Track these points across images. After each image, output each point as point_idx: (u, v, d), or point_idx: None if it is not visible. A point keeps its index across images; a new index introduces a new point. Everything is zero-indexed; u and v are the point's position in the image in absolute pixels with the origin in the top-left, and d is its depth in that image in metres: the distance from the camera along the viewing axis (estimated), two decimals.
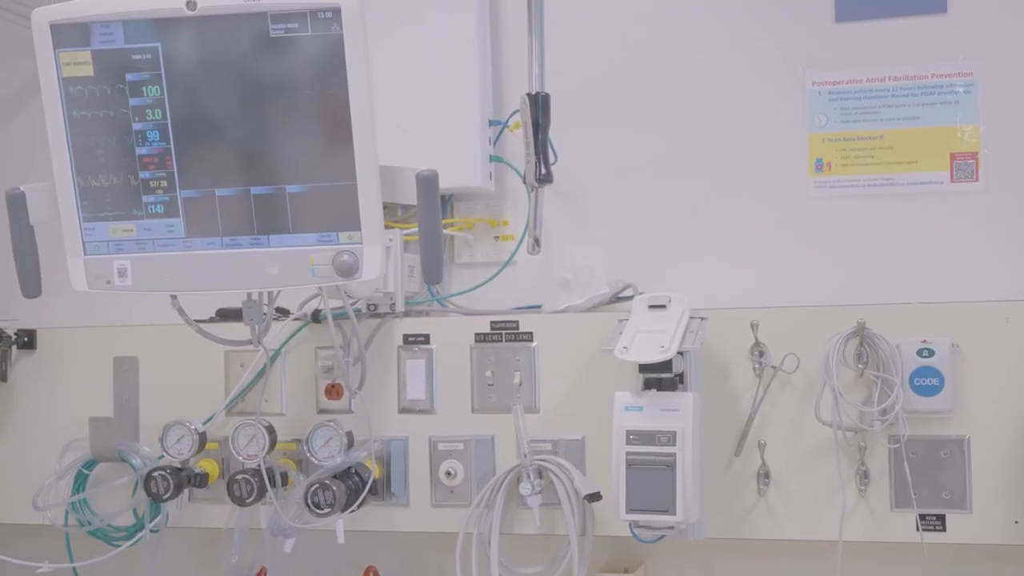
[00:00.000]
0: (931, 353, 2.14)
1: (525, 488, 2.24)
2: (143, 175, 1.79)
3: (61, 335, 2.65)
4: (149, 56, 1.74)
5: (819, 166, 2.42)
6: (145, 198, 1.81)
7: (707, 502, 2.20)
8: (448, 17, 2.43)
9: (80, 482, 2.54)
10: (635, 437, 2.04)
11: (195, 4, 1.71)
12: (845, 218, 2.39)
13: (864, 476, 2.17)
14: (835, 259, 2.38)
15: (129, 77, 1.76)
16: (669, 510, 2.01)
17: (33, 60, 1.77)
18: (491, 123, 2.49)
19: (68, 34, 1.75)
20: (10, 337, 2.66)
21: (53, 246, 1.89)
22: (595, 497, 2.20)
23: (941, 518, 2.15)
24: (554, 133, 2.21)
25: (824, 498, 2.18)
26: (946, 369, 2.13)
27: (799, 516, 2.21)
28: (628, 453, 2.04)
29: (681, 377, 2.12)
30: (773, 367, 2.22)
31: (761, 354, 2.22)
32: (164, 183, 1.79)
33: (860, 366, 2.16)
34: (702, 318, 2.17)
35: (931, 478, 2.15)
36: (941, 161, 2.36)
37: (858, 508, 2.18)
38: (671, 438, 2.02)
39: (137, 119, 1.77)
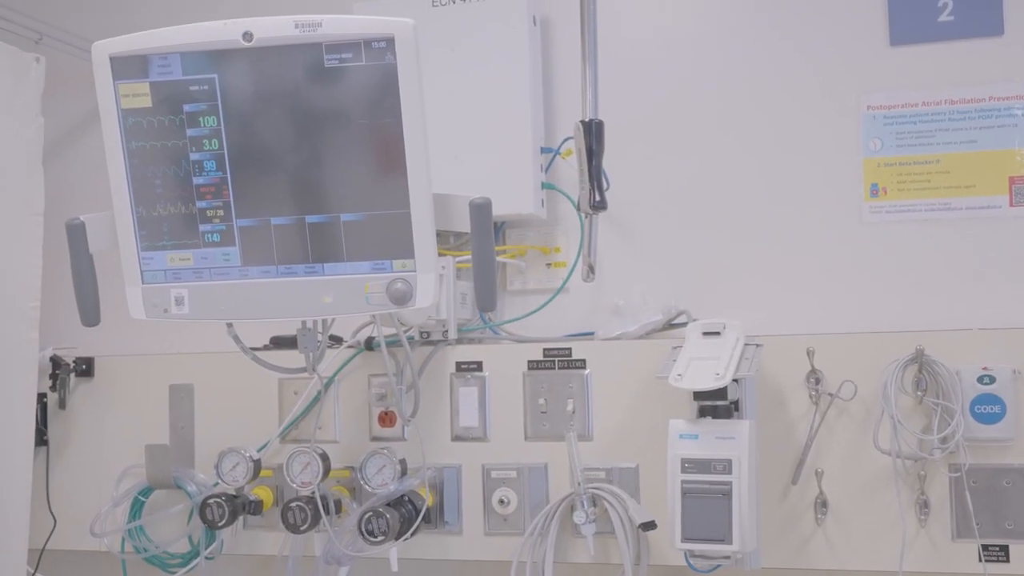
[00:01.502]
0: (992, 380, 2.10)
1: (579, 516, 2.22)
2: (200, 204, 1.81)
3: (118, 363, 2.69)
4: (206, 87, 1.76)
5: (874, 191, 2.39)
6: (202, 227, 1.82)
7: (764, 531, 2.17)
8: (499, 45, 2.44)
9: (136, 509, 2.56)
10: (690, 465, 2.02)
11: (251, 35, 1.73)
12: (902, 243, 2.37)
13: (924, 505, 2.14)
14: (892, 285, 2.36)
15: (187, 108, 1.77)
16: (725, 539, 1.99)
17: (92, 92, 1.79)
18: (543, 150, 2.49)
19: (127, 66, 1.77)
20: (68, 365, 2.70)
21: (109, 275, 1.92)
22: (650, 526, 2.18)
23: (1004, 549, 2.10)
24: (606, 159, 2.20)
25: (883, 528, 2.15)
26: (1008, 396, 2.10)
27: (858, 546, 2.17)
28: (683, 481, 2.02)
29: (736, 404, 2.10)
30: (830, 394, 2.19)
31: (817, 381, 2.20)
32: (221, 212, 1.81)
33: (919, 393, 2.13)
34: (757, 345, 2.15)
35: (993, 507, 2.11)
36: (999, 185, 2.33)
37: (918, 538, 2.14)
38: (727, 466, 2.00)
39: (194, 149, 1.79)
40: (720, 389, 2.02)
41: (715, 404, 2.07)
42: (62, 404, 2.70)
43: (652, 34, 2.54)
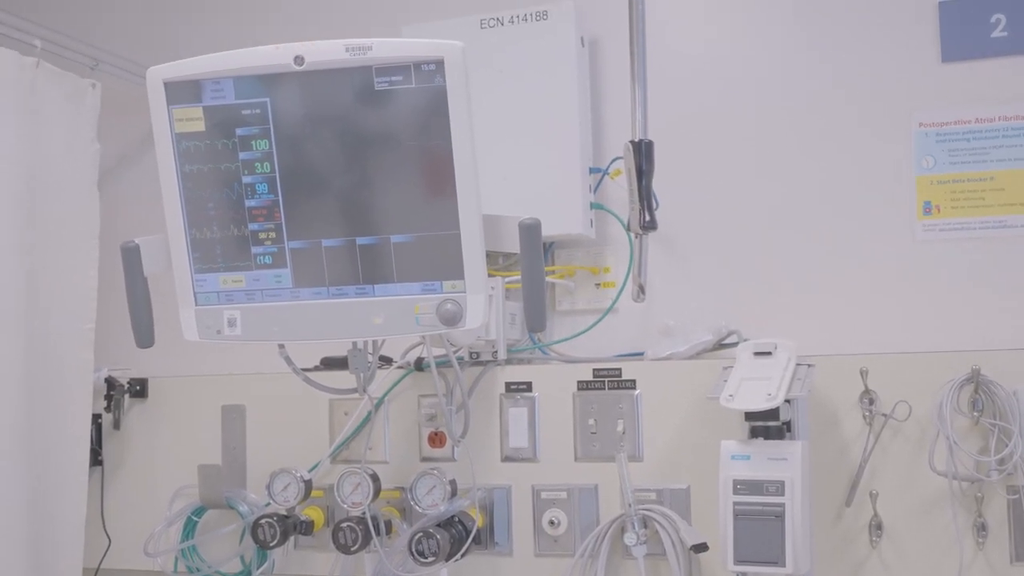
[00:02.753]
0: None
1: (630, 538, 2.21)
2: (252, 227, 1.83)
3: (171, 384, 2.72)
4: (258, 111, 1.78)
5: (928, 209, 2.36)
6: (254, 249, 1.84)
7: (817, 554, 2.14)
8: (548, 65, 2.44)
9: (189, 529, 2.58)
10: (742, 487, 2.00)
11: (303, 59, 1.74)
12: (956, 262, 2.33)
13: (982, 528, 2.10)
14: (947, 304, 2.32)
15: (239, 131, 1.79)
16: (778, 562, 1.96)
17: (146, 116, 1.82)
18: (591, 170, 2.49)
19: (181, 91, 1.79)
20: (123, 386, 2.73)
21: (162, 297, 1.94)
22: (701, 548, 2.16)
23: None
24: (654, 177, 2.19)
25: (940, 551, 2.12)
26: None
27: (914, 569, 2.14)
28: (735, 503, 2.00)
29: (788, 425, 2.08)
30: (884, 415, 2.17)
31: (871, 401, 2.18)
32: (272, 234, 1.82)
33: (975, 414, 2.10)
34: (809, 365, 2.13)
35: None
36: None
37: (976, 561, 2.11)
38: (779, 488, 1.98)
39: (247, 172, 1.81)
40: (772, 410, 2.00)
41: (767, 425, 2.05)
42: (116, 424, 2.73)
43: (702, 51, 2.53)
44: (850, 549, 2.18)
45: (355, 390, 2.09)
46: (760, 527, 1.98)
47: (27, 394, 2.38)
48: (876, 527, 2.16)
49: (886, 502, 2.16)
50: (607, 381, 2.36)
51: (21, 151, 2.37)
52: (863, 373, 2.18)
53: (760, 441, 2.04)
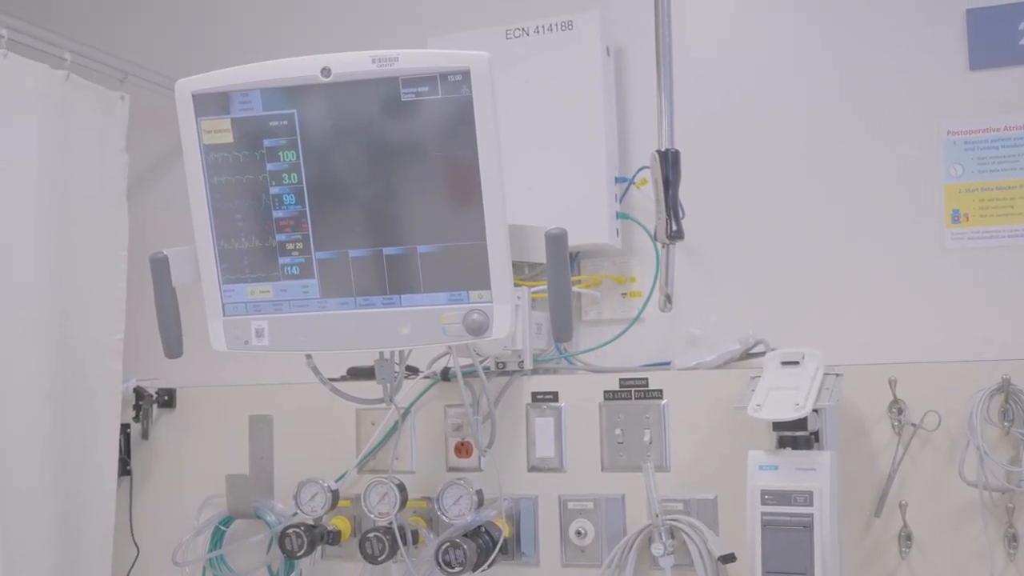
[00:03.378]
0: None
1: (657, 549, 2.20)
2: (280, 237, 1.83)
3: (199, 394, 2.73)
4: (286, 122, 1.79)
5: (956, 217, 2.35)
6: (281, 260, 1.84)
7: (846, 565, 2.13)
8: (573, 75, 2.44)
9: (217, 538, 2.59)
10: (770, 497, 2.00)
11: (329, 71, 1.75)
12: (985, 270, 2.31)
13: (1013, 539, 2.08)
14: (976, 313, 2.30)
15: (266, 143, 1.80)
16: (807, 573, 1.95)
17: (174, 128, 1.83)
18: (617, 180, 2.49)
19: (209, 103, 1.81)
20: (151, 396, 2.74)
21: (188, 307, 1.95)
22: (729, 559, 2.15)
23: None
24: (681, 186, 2.19)
25: (970, 562, 2.10)
26: None
27: None
28: (763, 513, 1.99)
29: (816, 435, 2.07)
30: (913, 425, 2.15)
31: (900, 411, 2.16)
32: (300, 245, 1.83)
33: (1006, 424, 2.08)
34: (837, 374, 2.12)
35: None
36: None
37: (1007, 573, 2.09)
38: (808, 498, 1.97)
39: (274, 183, 1.82)
40: (800, 420, 2.00)
41: (795, 435, 2.04)
42: (145, 434, 2.75)
43: (727, 60, 2.53)
44: (879, 560, 2.17)
45: (382, 400, 2.09)
46: (788, 538, 1.97)
47: (56, 404, 2.40)
48: (906, 538, 2.15)
49: (916, 513, 2.15)
50: (634, 391, 2.35)
51: (51, 162, 2.40)
52: (892, 383, 2.16)
53: (788, 451, 2.03)
